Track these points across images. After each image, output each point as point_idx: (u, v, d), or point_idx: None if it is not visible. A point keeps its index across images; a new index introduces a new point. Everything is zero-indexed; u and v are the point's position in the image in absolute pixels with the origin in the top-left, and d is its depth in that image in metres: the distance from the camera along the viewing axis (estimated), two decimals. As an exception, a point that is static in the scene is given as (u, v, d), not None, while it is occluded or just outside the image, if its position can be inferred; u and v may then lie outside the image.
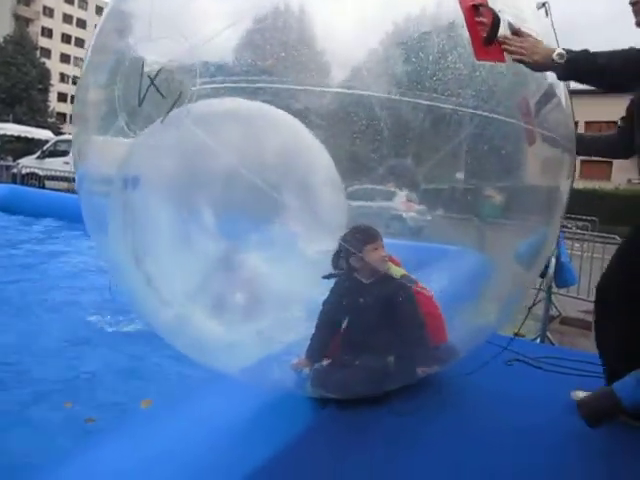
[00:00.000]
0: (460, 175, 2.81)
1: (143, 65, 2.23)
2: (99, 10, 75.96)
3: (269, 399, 2.44)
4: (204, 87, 2.17)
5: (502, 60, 2.17)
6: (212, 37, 2.21)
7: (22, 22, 64.51)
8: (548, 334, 5.56)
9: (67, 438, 2.84)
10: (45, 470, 1.80)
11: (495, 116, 2.37)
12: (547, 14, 2.52)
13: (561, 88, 2.61)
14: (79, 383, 3.63)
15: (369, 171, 2.88)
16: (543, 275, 6.86)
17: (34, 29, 65.49)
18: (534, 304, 6.70)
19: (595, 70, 2.13)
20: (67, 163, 16.87)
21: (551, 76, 2.35)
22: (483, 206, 2.89)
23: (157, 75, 2.19)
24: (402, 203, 3.00)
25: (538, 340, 5.32)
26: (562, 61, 2.09)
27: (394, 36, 2.40)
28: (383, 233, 2.95)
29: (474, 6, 2.10)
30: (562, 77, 2.28)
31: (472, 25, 2.12)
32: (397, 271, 2.46)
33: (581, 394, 2.69)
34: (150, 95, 2.20)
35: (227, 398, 2.44)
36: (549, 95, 2.53)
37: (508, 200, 2.78)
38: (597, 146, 3.02)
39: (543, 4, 2.56)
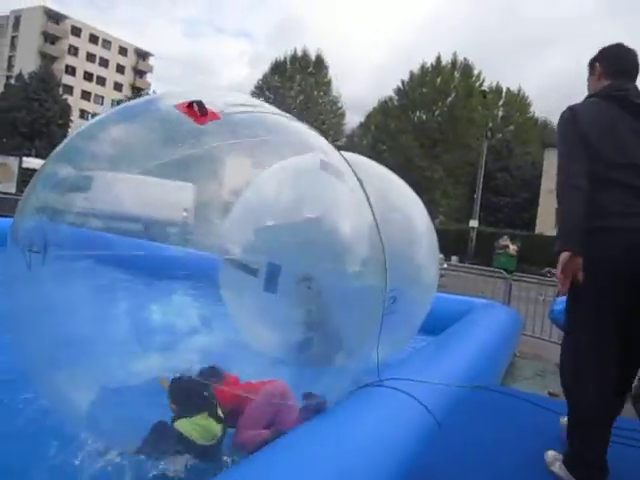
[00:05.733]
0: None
1: None
2: (122, 50, 78.30)
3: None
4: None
5: (219, 117, 2.87)
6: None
7: (48, 60, 66.53)
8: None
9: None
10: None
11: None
12: None
13: None
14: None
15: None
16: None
17: (58, 67, 67.43)
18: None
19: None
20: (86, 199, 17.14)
21: None
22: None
23: None
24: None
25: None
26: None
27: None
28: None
29: (188, 105, 2.82)
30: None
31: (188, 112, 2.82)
32: None
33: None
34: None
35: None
36: None
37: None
38: None
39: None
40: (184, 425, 2.76)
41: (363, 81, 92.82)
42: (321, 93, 53.56)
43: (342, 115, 54.96)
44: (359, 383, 3.10)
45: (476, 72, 47.32)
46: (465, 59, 47.40)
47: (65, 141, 3.18)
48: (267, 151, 3.32)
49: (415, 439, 2.73)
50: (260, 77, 54.21)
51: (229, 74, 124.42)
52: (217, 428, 2.85)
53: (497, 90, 48.56)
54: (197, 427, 2.78)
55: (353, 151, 4.47)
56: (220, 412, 2.91)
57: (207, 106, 2.84)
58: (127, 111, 3.29)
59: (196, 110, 2.81)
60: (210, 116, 2.85)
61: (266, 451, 2.31)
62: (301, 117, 3.45)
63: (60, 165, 3.06)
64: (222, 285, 3.59)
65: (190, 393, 2.89)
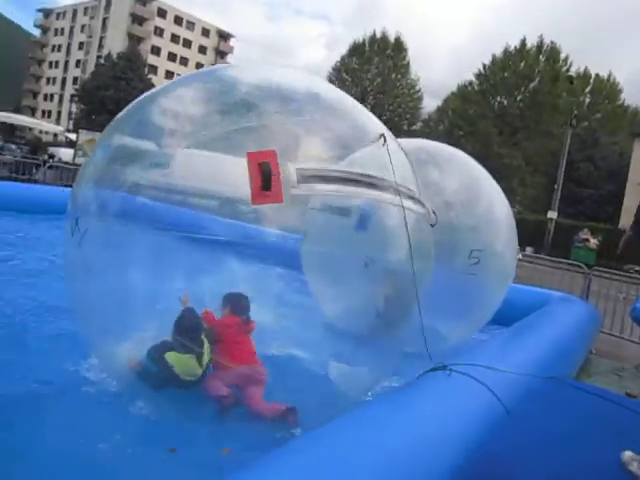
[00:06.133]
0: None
1: None
2: (204, 32, 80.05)
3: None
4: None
5: (280, 201, 2.60)
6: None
7: (135, 41, 69.15)
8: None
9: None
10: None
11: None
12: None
13: None
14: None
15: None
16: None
17: (144, 47, 69.97)
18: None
19: None
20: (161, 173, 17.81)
21: None
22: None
23: None
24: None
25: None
26: None
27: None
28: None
29: (259, 164, 2.58)
30: None
31: (252, 178, 2.59)
32: None
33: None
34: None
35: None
36: None
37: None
38: None
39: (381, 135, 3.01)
40: (172, 357, 3.18)
41: (441, 64, 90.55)
42: (399, 76, 52.63)
43: (419, 99, 53.86)
44: (428, 366, 3.11)
45: (563, 56, 45.04)
46: (552, 42, 45.20)
47: (125, 110, 3.29)
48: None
49: (483, 426, 2.72)
50: (337, 59, 54.08)
51: (306, 56, 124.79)
52: (198, 370, 3.24)
53: (585, 76, 45.95)
54: (182, 363, 3.19)
55: (429, 136, 4.43)
56: (206, 357, 3.27)
57: (276, 173, 2.57)
58: (191, 80, 3.35)
59: (260, 180, 2.57)
60: (272, 196, 2.59)
61: (331, 426, 2.33)
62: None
63: (118, 136, 3.20)
64: (303, 261, 3.67)
65: (189, 331, 3.25)
